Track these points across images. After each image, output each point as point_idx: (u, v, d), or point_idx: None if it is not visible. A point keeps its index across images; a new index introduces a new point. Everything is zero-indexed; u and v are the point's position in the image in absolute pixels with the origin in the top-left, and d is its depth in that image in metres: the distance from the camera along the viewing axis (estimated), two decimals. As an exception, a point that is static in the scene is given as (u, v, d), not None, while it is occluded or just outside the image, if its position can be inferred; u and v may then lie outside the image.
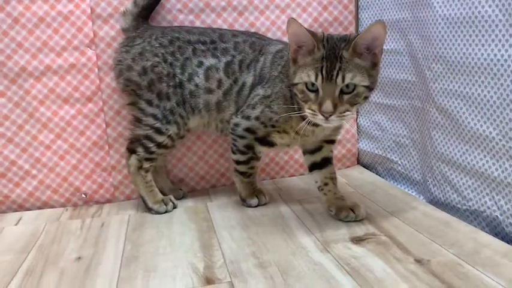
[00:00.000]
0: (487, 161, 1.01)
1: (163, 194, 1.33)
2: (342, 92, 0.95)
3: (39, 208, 1.38)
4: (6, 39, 1.28)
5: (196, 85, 1.22)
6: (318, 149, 1.22)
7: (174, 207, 1.30)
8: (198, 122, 1.27)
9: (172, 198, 1.31)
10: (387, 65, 1.38)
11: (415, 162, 1.32)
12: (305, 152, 1.26)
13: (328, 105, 0.94)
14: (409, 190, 1.34)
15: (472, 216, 1.08)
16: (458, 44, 1.05)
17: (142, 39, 1.24)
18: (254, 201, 1.28)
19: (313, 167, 1.23)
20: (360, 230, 1.08)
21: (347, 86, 0.95)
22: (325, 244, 1.01)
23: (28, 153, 1.35)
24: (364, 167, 1.56)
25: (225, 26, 1.40)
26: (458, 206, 1.12)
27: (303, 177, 1.52)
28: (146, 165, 1.26)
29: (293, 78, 1.02)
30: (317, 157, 1.22)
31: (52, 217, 1.30)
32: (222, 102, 1.22)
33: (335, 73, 0.94)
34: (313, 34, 0.98)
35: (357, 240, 1.02)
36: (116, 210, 1.34)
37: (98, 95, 1.36)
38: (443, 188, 1.17)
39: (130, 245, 1.08)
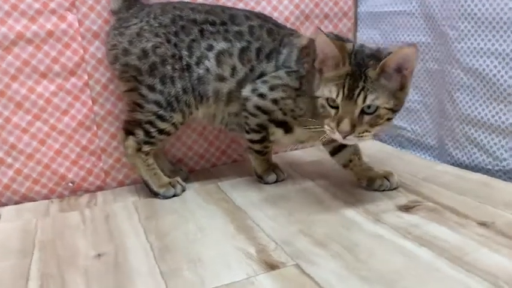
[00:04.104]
0: (528, 119, 1.00)
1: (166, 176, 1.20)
2: (362, 112, 0.89)
3: (17, 203, 1.17)
4: (-35, 1, 1.05)
5: (207, 70, 1.08)
6: None
7: (183, 189, 1.17)
8: (205, 112, 1.14)
9: (180, 180, 1.17)
10: (396, 28, 1.33)
11: (429, 127, 1.29)
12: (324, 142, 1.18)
13: (345, 125, 0.87)
14: (422, 155, 1.32)
15: (506, 176, 1.07)
16: (494, 0, 1.02)
17: (139, 19, 1.08)
18: (272, 177, 1.18)
19: (335, 152, 1.16)
20: (401, 198, 1.02)
21: (368, 106, 0.88)
22: (374, 215, 0.95)
23: (1, 139, 1.14)
24: (364, 136, 1.52)
25: (223, -13, 1.26)
26: (489, 167, 1.10)
27: (306, 150, 1.44)
28: (146, 148, 1.12)
29: (316, 90, 0.95)
30: (337, 143, 1.15)
31: (38, 211, 1.11)
32: (234, 92, 1.10)
33: (357, 92, 0.87)
34: (340, 48, 0.90)
35: (406, 209, 0.97)
36: (113, 198, 1.18)
37: (82, 68, 1.18)
38: (468, 150, 1.15)
39: (153, 235, 0.94)
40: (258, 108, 1.08)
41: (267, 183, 1.18)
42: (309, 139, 1.15)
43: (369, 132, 0.90)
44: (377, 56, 0.90)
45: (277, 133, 1.12)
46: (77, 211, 1.10)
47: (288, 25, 1.34)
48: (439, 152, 1.26)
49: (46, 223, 1.04)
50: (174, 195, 1.14)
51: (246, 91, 1.09)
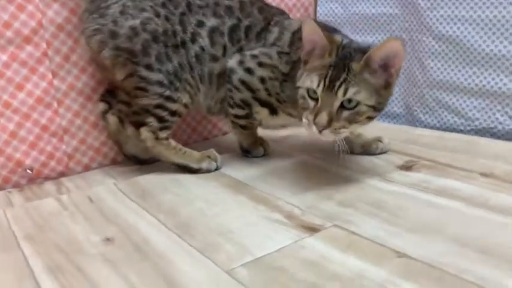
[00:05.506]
0: (501, 79, 1.09)
1: (139, 161, 1.13)
2: (342, 106, 0.83)
3: (-36, 196, 0.98)
4: None
5: (202, 48, 1.01)
6: None
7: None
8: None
9: (215, 152, 1.07)
10: (358, 0, 1.36)
11: (395, 95, 1.34)
12: None
13: (322, 118, 0.82)
14: (388, 123, 1.37)
15: (478, 135, 1.16)
16: (468, -32, 1.09)
17: None
18: (259, 150, 1.14)
19: None
20: (395, 159, 1.05)
21: (349, 101, 0.83)
22: (381, 176, 0.96)
23: None
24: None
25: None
26: (461, 127, 1.18)
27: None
28: (163, 134, 1.02)
29: (298, 80, 0.90)
30: None
31: (-1, 203, 0.94)
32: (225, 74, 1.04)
33: (338, 84, 0.82)
34: (329, 38, 0.86)
35: (406, 168, 1.00)
36: (87, 183, 1.05)
37: (39, 34, 1.01)
38: (439, 114, 1.22)
39: (162, 215, 0.84)
40: (243, 83, 1.03)
41: (255, 156, 1.14)
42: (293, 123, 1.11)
43: (346, 129, 0.85)
44: (365, 50, 0.84)
45: (261, 112, 1.07)
46: (50, 198, 0.95)
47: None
48: (406, 118, 1.33)
49: (17, 213, 0.88)
50: (216, 169, 1.06)
51: (232, 62, 1.02)
